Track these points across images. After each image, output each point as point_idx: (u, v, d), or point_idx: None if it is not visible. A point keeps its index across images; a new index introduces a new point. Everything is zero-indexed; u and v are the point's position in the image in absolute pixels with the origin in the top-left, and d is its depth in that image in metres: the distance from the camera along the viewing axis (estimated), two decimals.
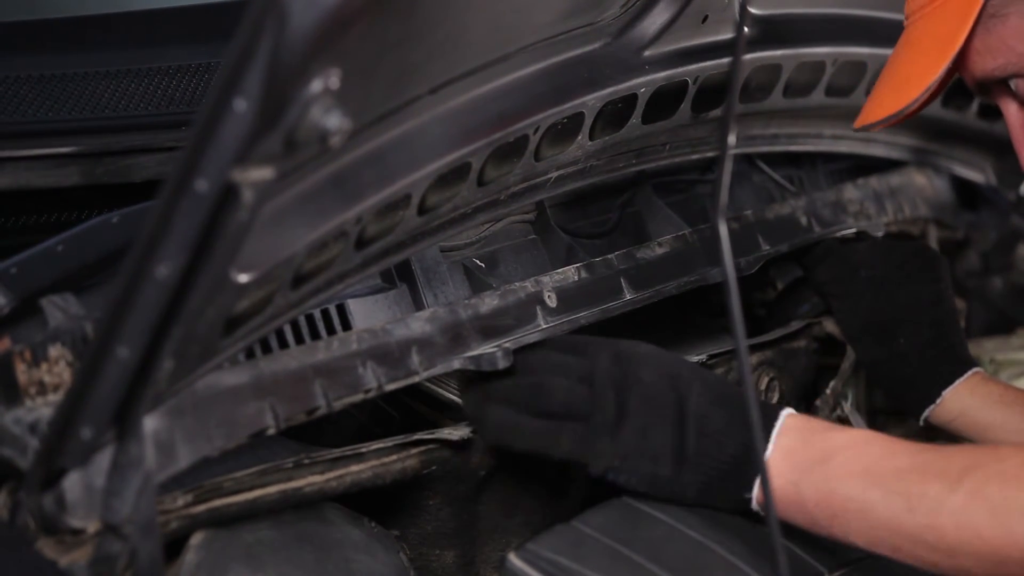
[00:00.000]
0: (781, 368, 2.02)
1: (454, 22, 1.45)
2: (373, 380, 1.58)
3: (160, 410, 1.38)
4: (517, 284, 1.75)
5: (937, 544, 1.47)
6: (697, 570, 1.58)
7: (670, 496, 1.60)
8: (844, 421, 2.12)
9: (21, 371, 1.36)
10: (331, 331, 1.61)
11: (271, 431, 1.48)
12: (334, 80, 1.15)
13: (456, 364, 1.65)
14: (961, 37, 1.60)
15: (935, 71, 1.62)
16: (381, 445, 1.62)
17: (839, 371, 2.09)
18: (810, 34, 2.00)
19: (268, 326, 1.47)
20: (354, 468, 1.59)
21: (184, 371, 1.36)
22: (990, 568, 1.46)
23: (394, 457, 1.62)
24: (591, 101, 1.73)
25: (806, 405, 2.11)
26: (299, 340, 1.57)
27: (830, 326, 2.07)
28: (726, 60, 1.86)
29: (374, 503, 1.66)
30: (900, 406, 2.02)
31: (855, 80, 2.09)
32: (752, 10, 1.92)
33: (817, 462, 1.53)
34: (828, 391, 2.09)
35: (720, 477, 1.58)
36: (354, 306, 1.64)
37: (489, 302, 1.72)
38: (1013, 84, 1.66)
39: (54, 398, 1.36)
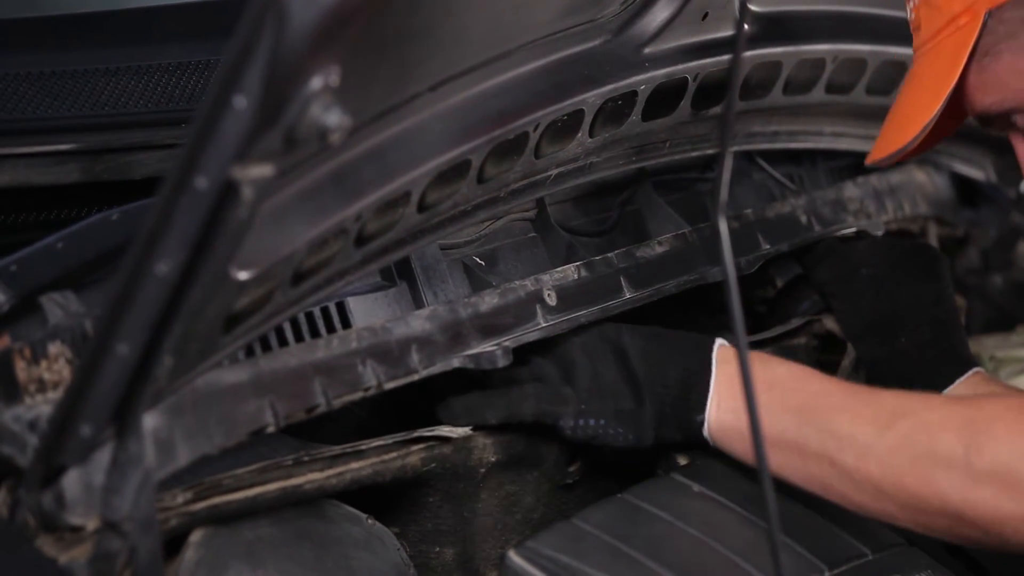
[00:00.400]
0: None
1: (454, 19, 1.45)
2: (373, 378, 1.58)
3: (160, 407, 1.38)
4: (517, 282, 1.75)
5: (864, 486, 1.55)
6: (696, 567, 1.59)
7: (636, 436, 1.67)
8: None
9: (21, 368, 1.36)
10: (331, 329, 1.61)
11: (271, 429, 1.48)
12: (334, 77, 1.15)
13: (456, 362, 1.65)
14: (954, 76, 1.63)
15: (932, 109, 1.64)
16: (381, 442, 1.62)
17: (839, 368, 2.09)
18: (810, 31, 2.00)
19: (268, 324, 1.47)
20: (354, 465, 1.59)
21: (184, 368, 1.36)
22: (911, 515, 1.54)
23: (394, 454, 1.62)
24: (591, 98, 1.73)
25: None
26: (299, 338, 1.57)
27: (830, 323, 2.07)
28: (726, 57, 1.86)
29: (374, 500, 1.66)
30: None
31: (855, 77, 2.08)
32: (752, 7, 1.92)
33: (758, 392, 1.56)
34: None
35: (671, 403, 1.66)
36: (354, 304, 1.64)
37: (489, 300, 1.72)
38: (1014, 118, 1.68)
39: (54, 395, 1.36)
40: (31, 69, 1.87)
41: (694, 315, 2.06)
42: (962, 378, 1.93)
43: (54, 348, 1.37)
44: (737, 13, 1.81)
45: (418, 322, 1.64)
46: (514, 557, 1.54)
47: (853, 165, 2.34)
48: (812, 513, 1.67)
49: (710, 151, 2.00)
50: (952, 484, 1.50)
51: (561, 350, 1.70)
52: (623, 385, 1.67)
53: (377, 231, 1.53)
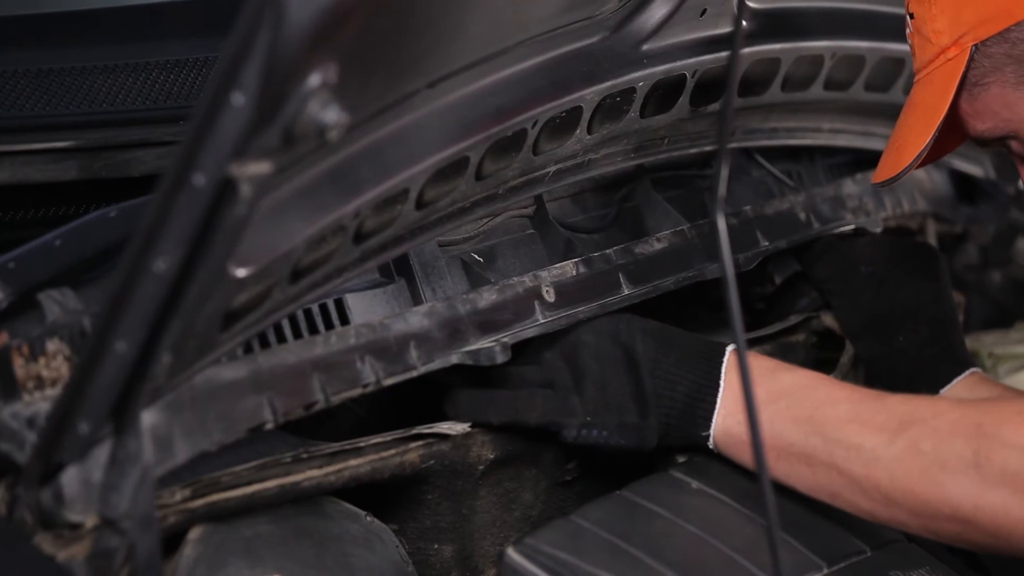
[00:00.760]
0: None
1: (452, 16, 1.45)
2: (371, 375, 1.58)
3: (158, 405, 1.38)
4: (515, 279, 1.75)
5: (873, 494, 1.55)
6: (695, 564, 1.59)
7: (640, 442, 1.67)
8: None
9: (19, 365, 1.35)
10: (329, 326, 1.61)
11: (269, 425, 1.48)
12: (332, 74, 1.15)
13: (454, 359, 1.65)
14: (945, 105, 1.67)
15: (926, 137, 1.68)
16: (379, 439, 1.62)
17: (838, 365, 2.09)
18: (809, 28, 2.00)
19: (266, 321, 1.46)
20: (352, 462, 1.59)
21: (182, 366, 1.36)
22: (922, 521, 1.54)
23: (392, 451, 1.62)
24: (589, 95, 1.73)
25: None
26: (297, 335, 1.57)
27: (829, 320, 2.07)
28: (724, 54, 1.86)
29: (372, 497, 1.66)
30: None
31: (854, 74, 2.08)
32: (750, 4, 1.92)
33: (765, 403, 1.60)
34: None
35: (677, 416, 1.67)
36: (352, 301, 1.64)
37: (487, 297, 1.72)
38: (1008, 143, 1.72)
39: (52, 392, 1.36)
40: (30, 66, 1.87)
41: (692, 312, 2.06)
42: (959, 378, 1.93)
43: (52, 345, 1.37)
44: (735, 9, 1.82)
45: (416, 318, 1.64)
46: (513, 554, 1.54)
47: (852, 162, 2.34)
48: (811, 510, 1.67)
49: (709, 148, 2.00)
50: (963, 490, 1.50)
51: (573, 351, 1.69)
52: (630, 399, 1.67)
53: (375, 228, 1.53)
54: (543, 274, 1.78)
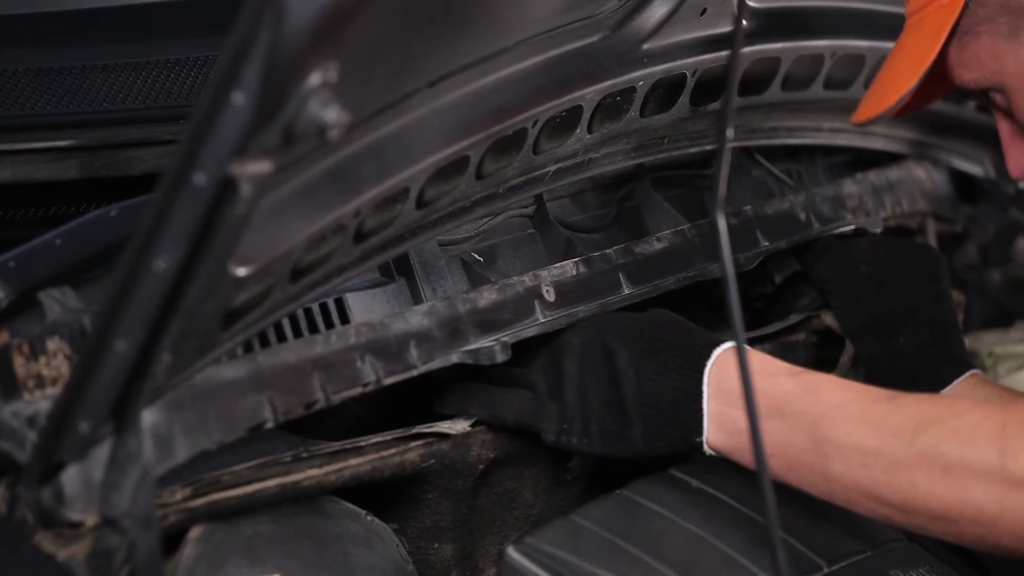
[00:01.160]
0: None
1: (453, 15, 1.45)
2: (371, 374, 1.58)
3: (158, 404, 1.38)
4: (515, 278, 1.76)
5: (891, 500, 1.48)
6: (695, 563, 1.59)
7: (624, 451, 1.63)
8: None
9: (19, 364, 1.35)
10: (329, 325, 1.61)
11: (269, 424, 1.48)
12: (332, 73, 1.15)
13: (454, 358, 1.65)
14: (934, 51, 1.66)
15: (911, 81, 1.67)
16: (380, 439, 1.62)
17: (838, 364, 2.09)
18: (809, 27, 2.00)
19: (266, 320, 1.47)
20: (353, 462, 1.59)
21: (182, 365, 1.36)
22: (944, 526, 1.48)
23: (392, 451, 1.62)
24: (589, 94, 1.73)
25: None
26: (297, 334, 1.57)
27: (829, 320, 2.07)
28: (725, 53, 1.86)
29: (372, 497, 1.66)
30: None
31: (854, 73, 2.08)
32: (750, 3, 1.92)
33: (768, 410, 1.53)
34: None
35: (663, 424, 1.60)
36: (352, 300, 1.64)
37: (487, 296, 1.72)
38: (992, 95, 1.71)
39: (52, 391, 1.36)
40: (30, 65, 1.87)
41: (693, 311, 2.06)
42: (959, 379, 1.93)
43: (53, 344, 1.37)
44: (735, 9, 1.82)
45: (416, 318, 1.64)
46: (513, 553, 1.54)
47: (852, 161, 2.34)
48: (811, 510, 1.67)
49: (709, 147, 2.00)
50: (987, 492, 1.44)
51: (558, 353, 1.67)
52: (610, 409, 1.62)
53: (375, 227, 1.53)
54: (543, 273, 1.78)
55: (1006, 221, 2.53)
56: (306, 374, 1.53)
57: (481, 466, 1.70)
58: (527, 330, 1.71)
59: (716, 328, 2.00)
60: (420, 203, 1.57)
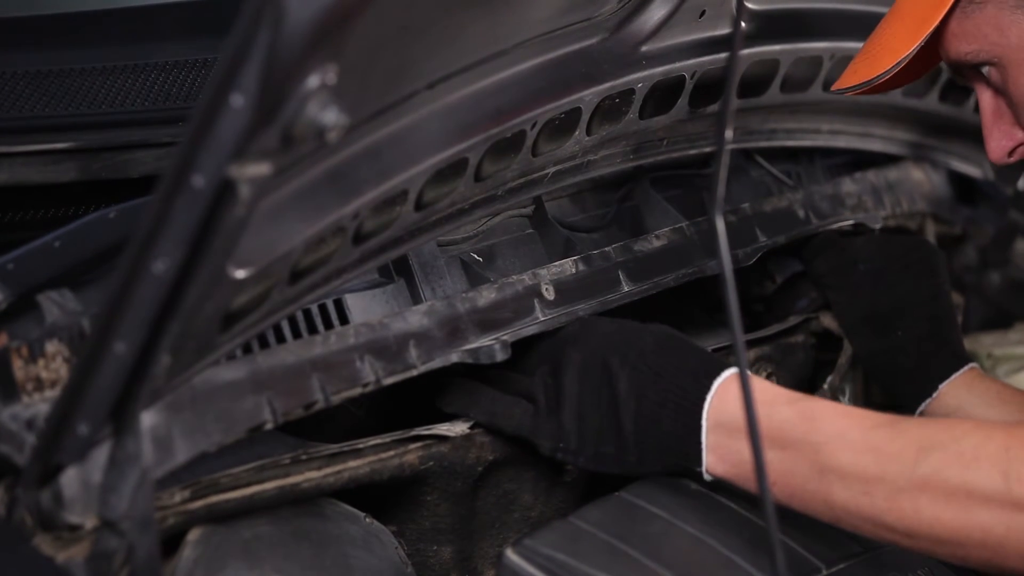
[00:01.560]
0: (779, 363, 2.02)
1: (451, 17, 1.45)
2: (371, 374, 1.58)
3: (157, 406, 1.38)
4: (515, 277, 1.76)
5: (896, 526, 1.47)
6: (694, 565, 1.58)
7: (621, 471, 1.63)
8: None
9: (18, 367, 1.35)
10: (329, 325, 1.61)
11: (269, 425, 1.48)
12: (331, 76, 1.15)
13: (454, 357, 1.65)
14: (937, 18, 1.64)
15: (908, 47, 1.65)
16: (379, 441, 1.62)
17: (836, 366, 2.09)
18: (807, 29, 2.00)
19: (266, 322, 1.46)
20: (352, 464, 1.59)
21: (181, 367, 1.36)
22: (950, 550, 1.47)
23: (392, 453, 1.62)
24: (588, 96, 1.73)
25: None
26: (297, 334, 1.57)
27: (828, 321, 2.07)
28: (723, 55, 1.86)
29: (372, 499, 1.66)
30: (897, 400, 2.02)
31: None
32: (749, 5, 1.92)
33: (770, 443, 1.51)
34: (826, 386, 2.09)
35: (662, 451, 1.59)
36: (352, 301, 1.64)
37: (487, 295, 1.72)
38: (986, 71, 1.69)
39: (51, 394, 1.36)
40: (28, 67, 1.87)
41: (691, 312, 2.06)
42: (957, 373, 1.93)
43: (51, 347, 1.37)
44: (734, 11, 1.82)
45: (416, 318, 1.64)
46: (512, 555, 1.54)
47: (851, 163, 2.34)
48: None
49: (708, 149, 2.00)
50: (993, 516, 1.43)
51: (560, 367, 1.64)
52: (607, 433, 1.61)
53: (375, 229, 1.53)
54: (543, 272, 1.78)
55: (1005, 223, 2.53)
56: (305, 375, 1.53)
57: (480, 468, 1.70)
58: (527, 329, 1.71)
59: (714, 330, 2.00)
60: (419, 205, 1.57)
